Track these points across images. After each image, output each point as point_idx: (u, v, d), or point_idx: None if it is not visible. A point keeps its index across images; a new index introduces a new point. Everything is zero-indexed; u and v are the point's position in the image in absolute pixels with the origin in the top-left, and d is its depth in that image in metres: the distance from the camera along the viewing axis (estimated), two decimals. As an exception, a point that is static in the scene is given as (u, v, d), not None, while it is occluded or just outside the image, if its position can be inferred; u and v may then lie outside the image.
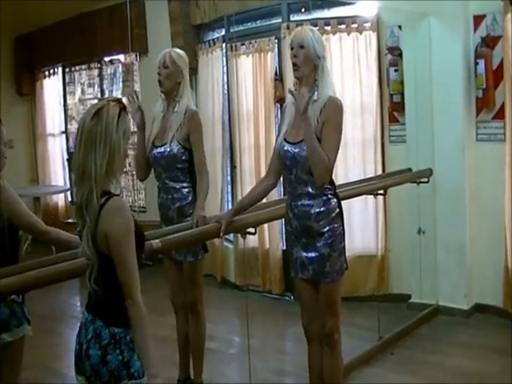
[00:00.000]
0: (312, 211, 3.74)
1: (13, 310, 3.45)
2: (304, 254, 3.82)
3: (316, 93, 3.72)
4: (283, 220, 4.47)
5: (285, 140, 3.80)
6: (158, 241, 3.60)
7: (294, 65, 3.74)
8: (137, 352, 2.69)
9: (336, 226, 3.78)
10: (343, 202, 4.67)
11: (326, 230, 3.75)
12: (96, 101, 9.15)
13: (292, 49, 3.75)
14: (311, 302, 3.93)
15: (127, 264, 2.61)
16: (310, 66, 3.71)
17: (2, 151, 3.55)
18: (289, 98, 3.90)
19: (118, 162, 2.64)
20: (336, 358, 3.92)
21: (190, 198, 4.41)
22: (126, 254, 2.61)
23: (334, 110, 3.68)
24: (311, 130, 3.58)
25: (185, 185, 4.43)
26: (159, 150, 4.41)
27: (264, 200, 4.30)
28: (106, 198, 2.61)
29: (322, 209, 3.73)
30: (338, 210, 3.80)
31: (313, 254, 3.79)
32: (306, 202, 3.75)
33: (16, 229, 3.55)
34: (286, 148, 3.77)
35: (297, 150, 3.71)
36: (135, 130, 4.39)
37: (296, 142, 3.72)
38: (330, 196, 3.77)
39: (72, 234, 3.47)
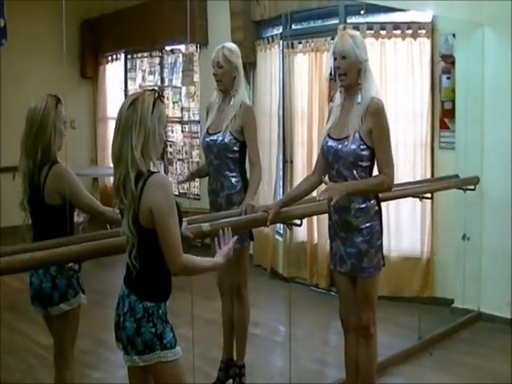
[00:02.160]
0: (352, 207, 3.88)
1: (70, 281, 3.65)
2: (343, 249, 3.98)
3: (360, 96, 3.88)
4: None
5: (328, 136, 3.96)
6: (207, 224, 3.80)
7: (340, 75, 3.89)
8: (169, 324, 2.92)
9: (374, 223, 3.91)
10: (391, 203, 4.83)
11: (364, 226, 3.89)
12: (156, 88, 9.45)
13: (335, 59, 3.89)
14: (349, 294, 4.08)
15: (172, 234, 2.80)
16: (354, 73, 3.86)
17: (61, 131, 3.74)
18: (336, 99, 4.09)
19: (153, 145, 2.85)
20: (371, 349, 4.07)
21: (238, 187, 4.56)
22: (170, 225, 2.80)
23: (377, 113, 3.83)
24: (359, 185, 3.82)
25: (234, 174, 4.57)
26: (212, 137, 4.57)
27: (314, 193, 4.48)
28: (148, 174, 2.82)
29: (361, 205, 3.88)
30: (376, 207, 3.93)
31: (351, 249, 3.93)
32: (347, 198, 3.84)
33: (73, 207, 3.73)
34: (329, 144, 3.93)
35: (339, 146, 3.87)
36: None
37: (339, 138, 3.87)
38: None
39: None
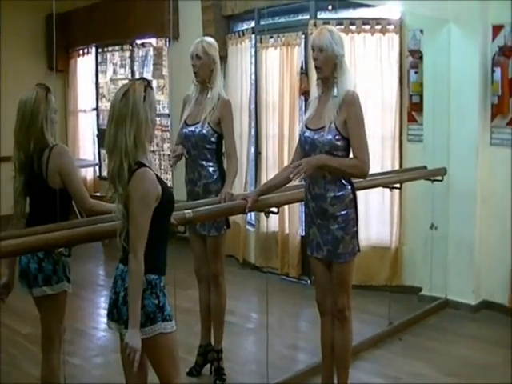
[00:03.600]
0: (328, 195, 4.02)
1: (55, 267, 3.71)
2: (319, 235, 4.11)
3: (336, 89, 4.03)
4: (303, 207, 4.72)
5: (306, 127, 4.11)
6: (189, 211, 3.96)
7: (316, 67, 4.05)
8: (167, 298, 3.06)
9: (350, 211, 4.05)
10: (360, 193, 4.96)
11: (340, 214, 4.02)
12: (127, 81, 9.46)
13: (313, 51, 4.05)
14: (324, 279, 4.21)
15: (136, 224, 2.95)
16: (330, 66, 4.00)
17: (52, 119, 3.80)
18: (313, 92, 4.23)
19: (145, 132, 3.01)
20: (346, 332, 4.22)
21: (215, 177, 4.68)
22: (137, 215, 2.94)
23: (351, 104, 3.97)
24: (332, 161, 3.94)
25: (211, 164, 4.68)
26: (191, 128, 4.70)
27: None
28: (137, 167, 2.97)
29: (337, 194, 4.02)
30: (352, 196, 4.07)
31: (327, 236, 4.07)
32: (323, 186, 4.03)
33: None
34: (306, 134, 4.08)
35: (316, 136, 4.01)
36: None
37: (316, 128, 4.02)
38: (344, 182, 4.05)
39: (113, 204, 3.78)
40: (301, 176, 3.94)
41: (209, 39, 4.81)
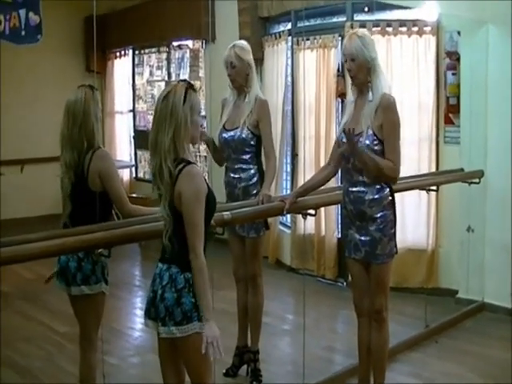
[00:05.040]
0: (366, 197, 4.05)
1: (94, 267, 3.78)
2: (357, 237, 4.14)
3: (371, 93, 4.05)
4: (339, 209, 4.73)
5: (344, 132, 4.10)
6: (228, 213, 4.02)
7: (351, 76, 4.09)
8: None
9: (388, 212, 4.09)
10: (397, 195, 4.99)
11: (378, 215, 4.06)
12: (163, 83, 9.52)
13: (345, 61, 4.08)
14: (362, 280, 4.24)
15: (194, 222, 3.00)
16: (364, 72, 4.02)
17: (100, 118, 3.90)
18: (349, 95, 4.24)
19: (185, 133, 3.05)
20: (383, 333, 4.24)
21: (255, 179, 4.72)
22: (193, 213, 2.99)
23: (387, 108, 3.99)
24: (370, 159, 3.94)
25: (251, 166, 4.72)
26: (230, 133, 4.73)
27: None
28: (184, 165, 3.03)
29: (375, 196, 4.05)
30: (390, 198, 4.11)
31: (365, 237, 4.10)
32: (361, 189, 4.06)
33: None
34: (344, 140, 4.06)
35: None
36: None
37: (354, 134, 3.98)
38: (383, 185, 4.07)
39: (152, 208, 3.79)
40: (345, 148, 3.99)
41: (240, 43, 4.81)
